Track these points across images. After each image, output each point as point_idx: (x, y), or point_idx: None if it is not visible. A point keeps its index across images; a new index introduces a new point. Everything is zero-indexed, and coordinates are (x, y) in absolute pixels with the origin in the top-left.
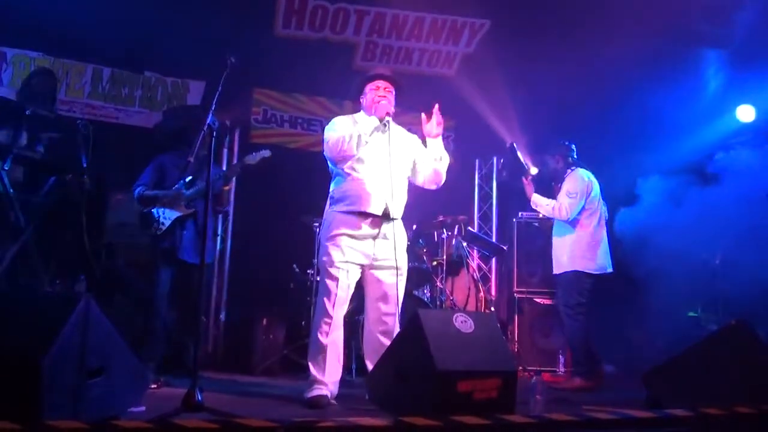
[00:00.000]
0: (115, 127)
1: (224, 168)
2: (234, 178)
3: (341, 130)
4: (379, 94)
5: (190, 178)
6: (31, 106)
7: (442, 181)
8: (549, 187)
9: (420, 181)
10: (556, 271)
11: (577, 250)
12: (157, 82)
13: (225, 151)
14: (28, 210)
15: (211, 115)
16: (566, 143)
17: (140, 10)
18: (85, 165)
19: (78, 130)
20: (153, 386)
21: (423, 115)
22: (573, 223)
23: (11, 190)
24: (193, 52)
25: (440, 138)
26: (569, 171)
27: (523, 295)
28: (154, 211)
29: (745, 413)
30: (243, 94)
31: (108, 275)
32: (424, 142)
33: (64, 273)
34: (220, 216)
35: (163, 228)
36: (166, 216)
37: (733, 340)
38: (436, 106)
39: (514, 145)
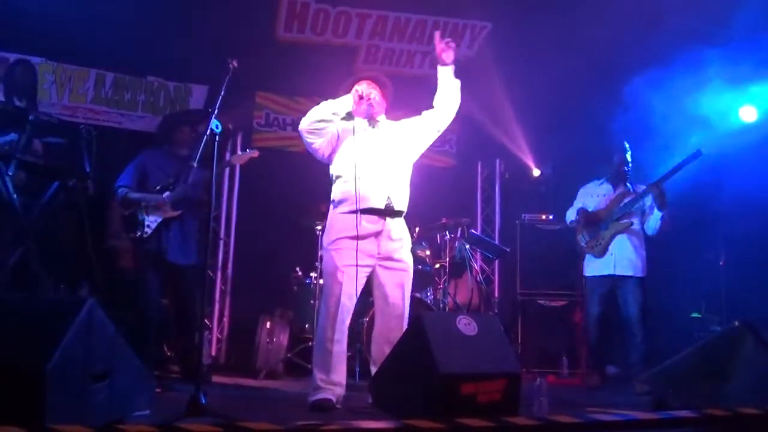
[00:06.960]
0: (118, 132)
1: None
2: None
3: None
4: (359, 95)
5: (171, 180)
6: (33, 112)
7: (458, 103)
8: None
9: (440, 123)
10: (637, 273)
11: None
12: (159, 87)
13: (227, 155)
14: (32, 215)
15: (213, 119)
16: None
17: (142, 15)
18: (88, 170)
19: (81, 135)
20: (157, 390)
21: (436, 35)
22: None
23: (15, 196)
24: (195, 57)
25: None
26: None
27: (527, 297)
28: (138, 214)
29: (750, 414)
30: (245, 98)
31: (111, 280)
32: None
33: (67, 278)
34: (224, 219)
35: (149, 232)
36: (152, 219)
37: (737, 341)
38: (437, 33)
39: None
